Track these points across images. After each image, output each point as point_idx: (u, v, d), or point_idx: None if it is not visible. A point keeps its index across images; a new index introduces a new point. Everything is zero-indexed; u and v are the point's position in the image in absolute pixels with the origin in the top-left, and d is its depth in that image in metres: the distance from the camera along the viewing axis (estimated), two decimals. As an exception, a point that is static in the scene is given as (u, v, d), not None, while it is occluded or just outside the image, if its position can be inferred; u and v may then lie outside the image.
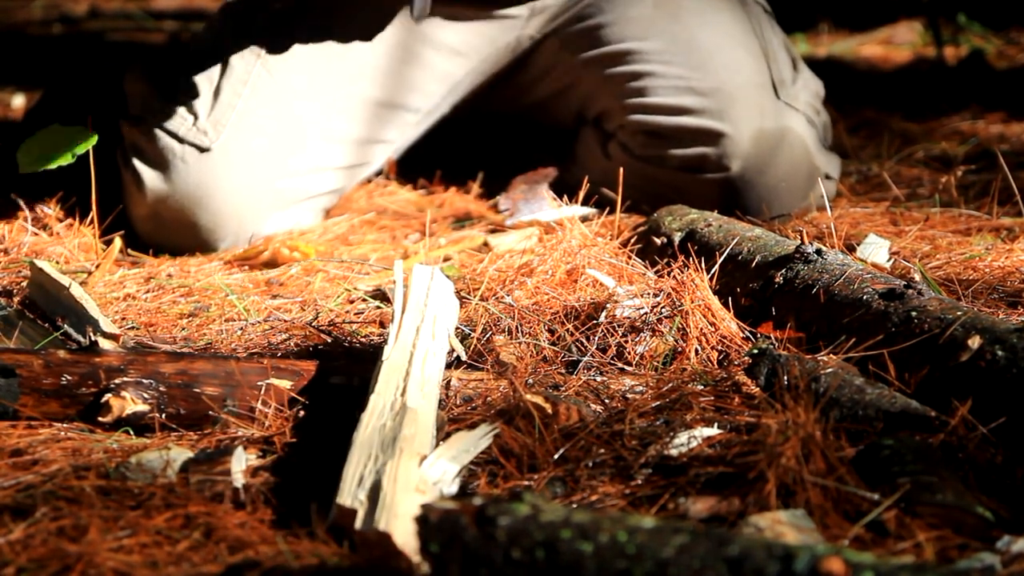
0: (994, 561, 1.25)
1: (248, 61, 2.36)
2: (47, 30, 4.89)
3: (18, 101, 3.54)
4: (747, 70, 2.36)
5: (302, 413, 1.60)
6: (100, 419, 1.60)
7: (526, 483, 1.41)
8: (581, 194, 2.32)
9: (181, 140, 2.30)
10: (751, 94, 2.34)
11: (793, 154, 2.34)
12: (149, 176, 2.30)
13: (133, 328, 1.95)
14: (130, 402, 1.60)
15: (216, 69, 2.35)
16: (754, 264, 1.90)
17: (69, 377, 1.63)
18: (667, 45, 2.39)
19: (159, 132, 2.30)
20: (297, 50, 2.38)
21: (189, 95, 2.32)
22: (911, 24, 4.36)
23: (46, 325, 1.85)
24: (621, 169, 2.23)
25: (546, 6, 2.45)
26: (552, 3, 2.45)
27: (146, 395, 1.61)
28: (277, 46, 2.38)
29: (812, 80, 2.45)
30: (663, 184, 2.36)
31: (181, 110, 2.31)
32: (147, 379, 1.62)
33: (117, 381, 1.61)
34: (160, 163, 2.30)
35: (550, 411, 1.51)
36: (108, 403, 1.60)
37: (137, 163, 2.31)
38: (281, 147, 2.36)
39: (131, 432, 1.59)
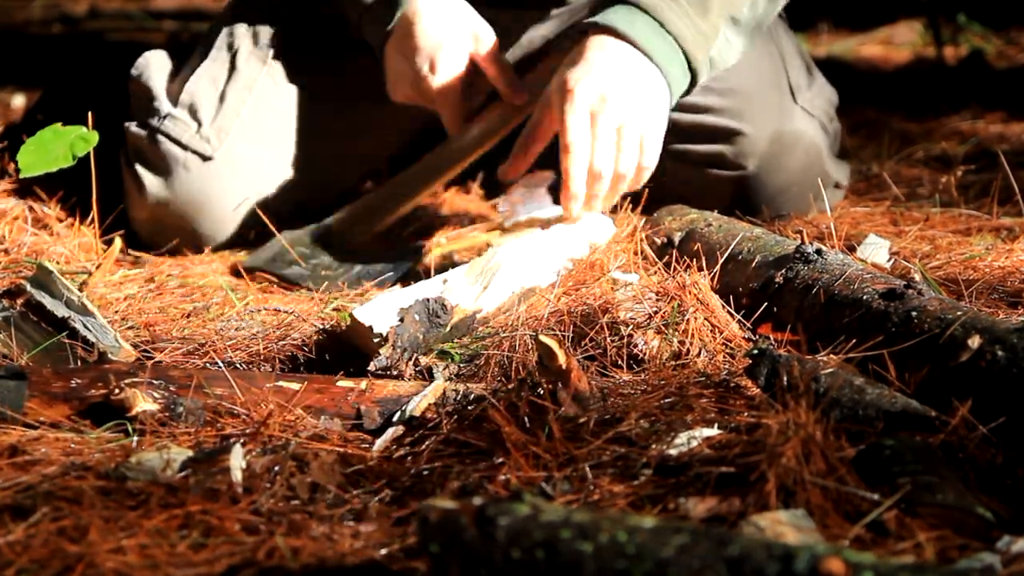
0: (994, 561, 1.25)
1: (254, 68, 2.34)
2: (47, 30, 4.89)
3: (18, 101, 3.54)
4: (765, 73, 2.36)
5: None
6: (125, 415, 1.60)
7: (544, 477, 1.41)
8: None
9: (184, 147, 2.28)
10: (769, 96, 2.34)
11: (807, 158, 2.35)
12: (151, 181, 2.29)
13: (133, 328, 1.95)
14: (141, 400, 1.60)
15: (222, 75, 2.33)
16: (754, 264, 1.90)
17: (79, 380, 1.62)
18: None
19: (162, 137, 2.29)
20: (304, 57, 2.37)
21: (194, 100, 2.31)
22: (911, 24, 4.36)
23: (49, 328, 1.84)
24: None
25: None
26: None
27: (156, 395, 1.61)
28: (284, 53, 2.37)
29: (826, 87, 2.46)
30: (676, 179, 2.36)
31: (185, 116, 2.30)
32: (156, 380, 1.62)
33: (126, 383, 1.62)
34: (162, 169, 2.28)
35: (563, 361, 1.50)
36: (126, 398, 1.59)
37: (139, 167, 2.30)
38: (285, 157, 2.34)
39: (129, 432, 1.59)
